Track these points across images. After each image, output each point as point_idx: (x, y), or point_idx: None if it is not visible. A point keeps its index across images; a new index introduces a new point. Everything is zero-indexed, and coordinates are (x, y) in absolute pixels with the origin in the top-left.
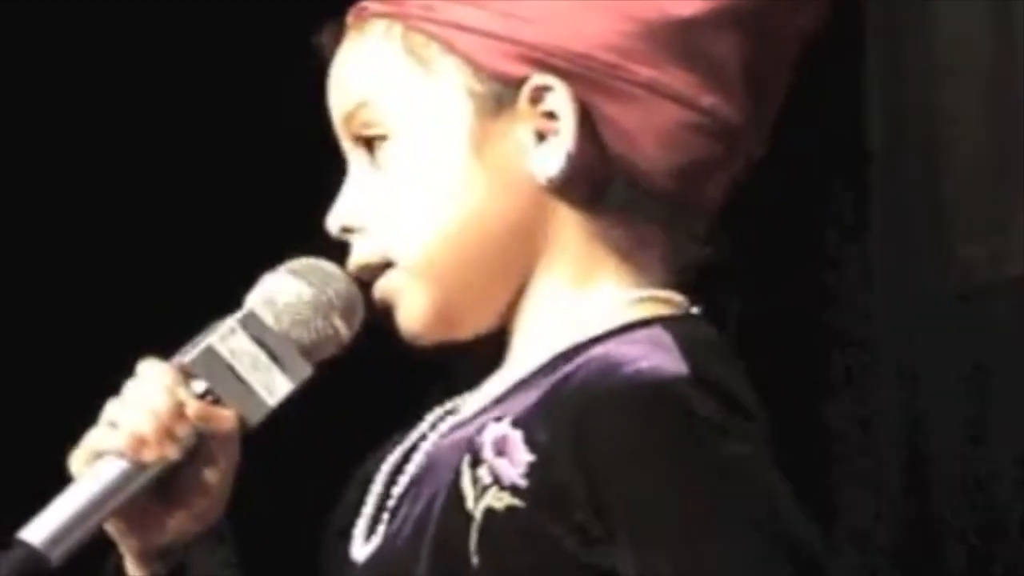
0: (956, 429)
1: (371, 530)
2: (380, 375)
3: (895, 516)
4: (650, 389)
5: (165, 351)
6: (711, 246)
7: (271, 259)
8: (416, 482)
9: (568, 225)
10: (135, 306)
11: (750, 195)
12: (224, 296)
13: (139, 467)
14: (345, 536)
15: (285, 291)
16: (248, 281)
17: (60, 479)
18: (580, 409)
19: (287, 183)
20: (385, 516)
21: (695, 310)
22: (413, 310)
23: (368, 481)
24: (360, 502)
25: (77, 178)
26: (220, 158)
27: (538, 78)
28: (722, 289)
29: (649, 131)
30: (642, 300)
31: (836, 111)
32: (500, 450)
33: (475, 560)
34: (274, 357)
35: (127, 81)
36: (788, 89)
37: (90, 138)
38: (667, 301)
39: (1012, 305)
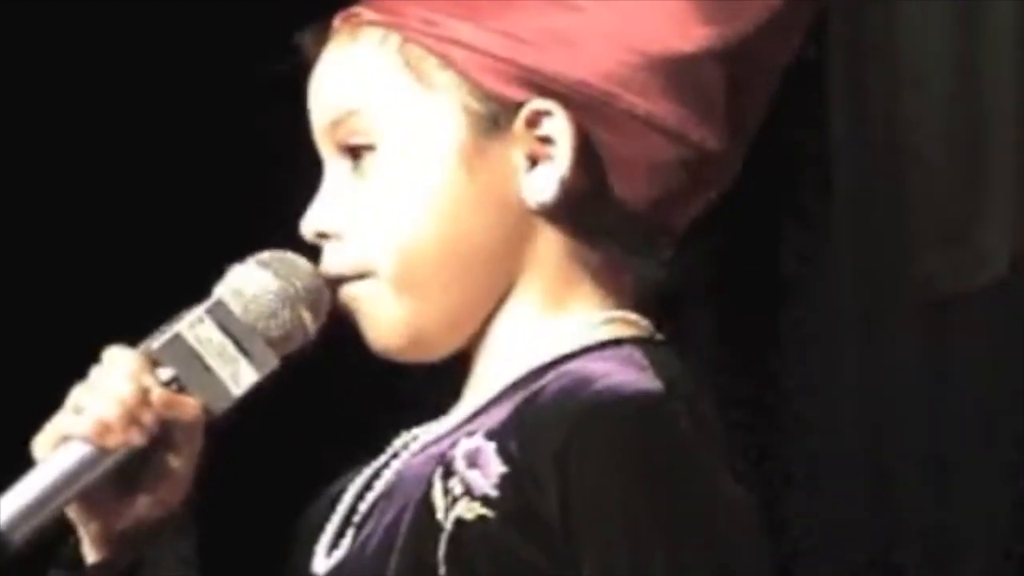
0: (920, 441)
1: (334, 544)
2: (356, 392)
3: (861, 531)
4: (630, 403)
5: (131, 339)
6: (671, 272)
7: (239, 251)
8: (384, 497)
9: (549, 247)
10: (101, 294)
11: (711, 207)
12: (192, 287)
13: (103, 452)
14: (308, 550)
15: (253, 282)
16: (215, 273)
17: (24, 463)
18: (566, 428)
19: (255, 177)
20: (350, 531)
21: (659, 336)
22: (387, 324)
23: (333, 498)
24: (326, 518)
25: (45, 170)
26: (186, 152)
27: (537, 102)
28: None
29: (640, 162)
30: (611, 320)
31: (799, 121)
32: (472, 462)
33: (443, 570)
34: (241, 347)
35: (98, 77)
36: None
37: (61, 132)
38: (635, 323)
39: (974, 315)
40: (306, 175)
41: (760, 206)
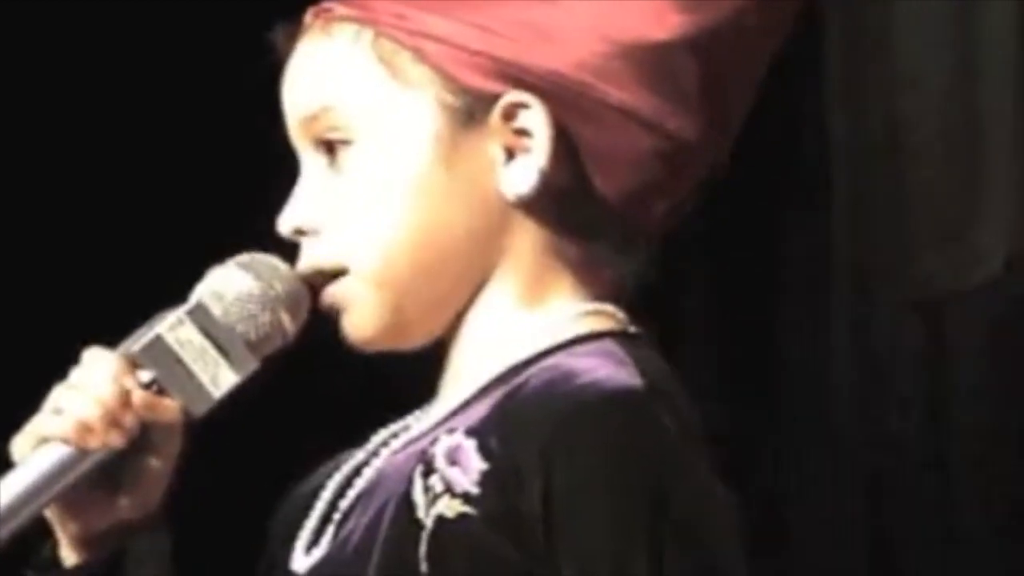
0: (914, 441)
1: (313, 542)
2: (332, 388)
3: (861, 531)
4: (614, 400)
5: (110, 341)
6: (650, 269)
7: (217, 254)
8: (365, 495)
9: (527, 240)
10: (80, 296)
11: (708, 202)
12: (170, 289)
13: (83, 453)
14: (286, 547)
15: (234, 284)
16: (194, 275)
17: (2, 465)
18: (551, 424)
19: (231, 177)
20: (330, 528)
21: (633, 329)
22: (365, 317)
23: (310, 495)
24: (303, 515)
25: (29, 169)
26: (164, 151)
27: (513, 95)
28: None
29: (617, 153)
30: (589, 313)
31: (798, 121)
32: (453, 459)
33: (424, 567)
34: (221, 349)
35: (77, 76)
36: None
37: (39, 131)
38: (612, 316)
39: (971, 313)
40: (289, 175)
41: (759, 206)
